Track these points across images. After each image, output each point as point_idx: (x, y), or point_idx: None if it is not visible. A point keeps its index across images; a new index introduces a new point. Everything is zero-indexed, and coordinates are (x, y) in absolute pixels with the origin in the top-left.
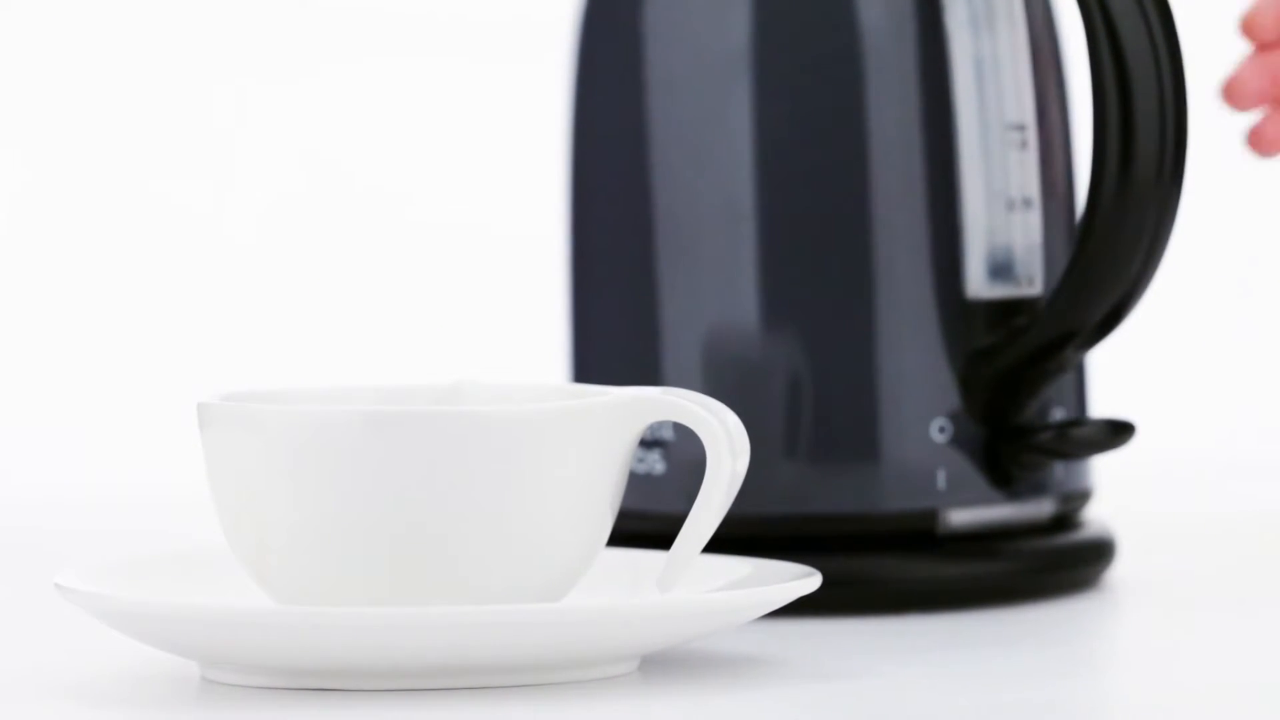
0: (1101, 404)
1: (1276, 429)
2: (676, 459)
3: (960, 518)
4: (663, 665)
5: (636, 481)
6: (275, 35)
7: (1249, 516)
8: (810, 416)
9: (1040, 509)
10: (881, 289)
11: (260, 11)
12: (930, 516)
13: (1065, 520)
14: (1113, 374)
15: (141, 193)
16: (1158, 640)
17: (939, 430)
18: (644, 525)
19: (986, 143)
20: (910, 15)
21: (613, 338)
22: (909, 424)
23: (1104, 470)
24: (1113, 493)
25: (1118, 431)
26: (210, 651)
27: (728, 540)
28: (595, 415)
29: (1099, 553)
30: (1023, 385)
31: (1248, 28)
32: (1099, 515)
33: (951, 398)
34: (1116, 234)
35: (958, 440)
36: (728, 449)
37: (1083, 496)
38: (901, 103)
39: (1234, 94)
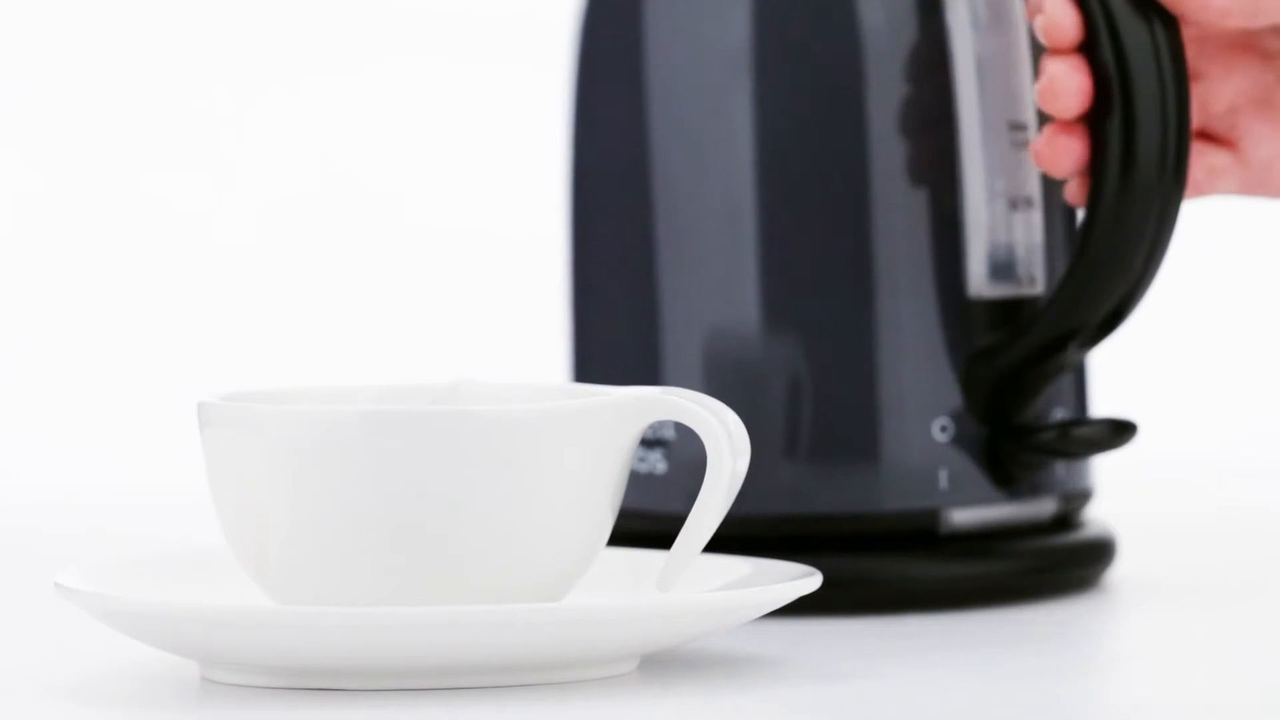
0: (1101, 404)
1: (1276, 429)
2: (677, 459)
3: (962, 517)
4: (663, 665)
5: (638, 481)
6: (278, 39)
7: (1249, 516)
8: (810, 416)
9: (1041, 509)
10: (883, 289)
11: (264, 15)
12: (932, 516)
13: (1065, 520)
14: (1113, 374)
15: (143, 194)
16: (1158, 640)
17: (941, 430)
18: (644, 525)
19: (988, 142)
20: (911, 15)
21: (613, 337)
22: (911, 424)
23: (1104, 470)
24: (1113, 493)
25: (1120, 431)
26: (210, 651)
27: (728, 540)
28: (595, 415)
29: (1099, 553)
30: (1024, 385)
31: (1049, 33)
32: (1099, 515)
33: (953, 397)
34: (1118, 233)
35: (959, 440)
36: (728, 449)
37: (1083, 496)
38: (902, 103)
39: (1053, 96)
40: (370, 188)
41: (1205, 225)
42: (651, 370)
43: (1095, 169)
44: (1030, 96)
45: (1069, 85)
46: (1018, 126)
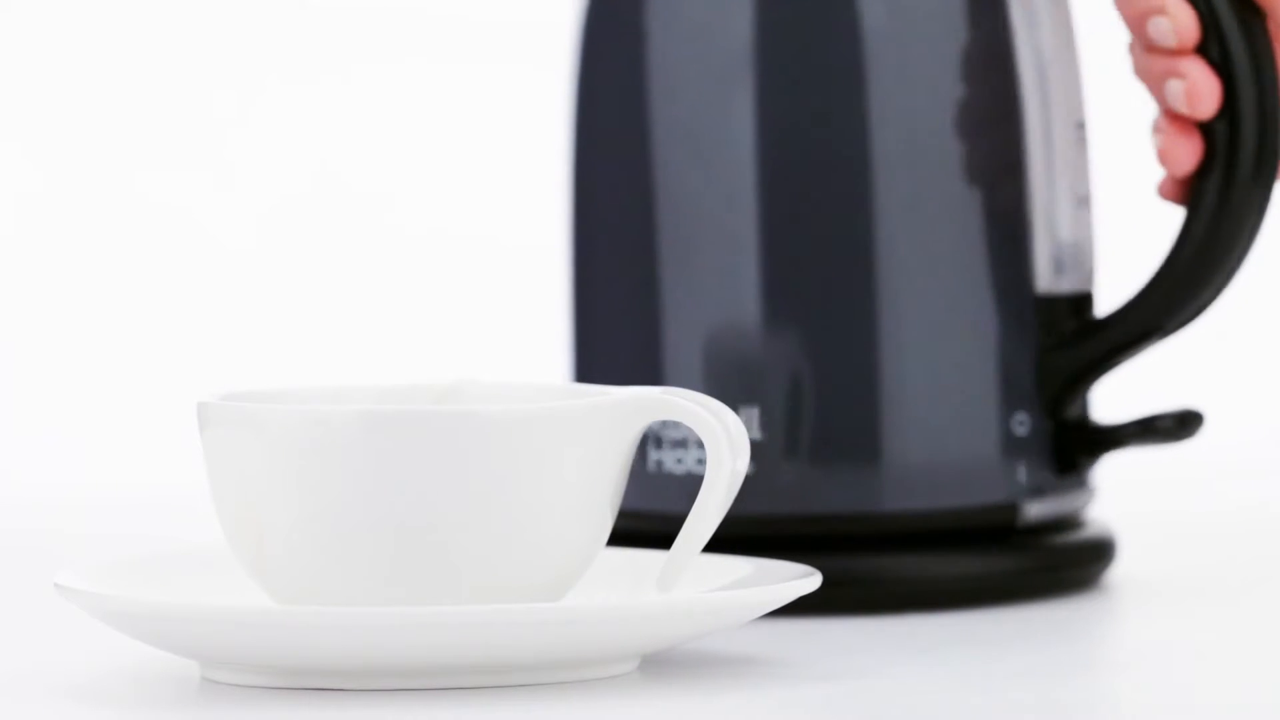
0: (1103, 403)
1: (1276, 429)
2: (759, 460)
3: (1037, 510)
4: (663, 665)
5: (644, 481)
6: (279, 40)
7: (1249, 516)
8: (813, 415)
9: (1086, 498)
10: (886, 287)
11: (265, 17)
12: (1011, 510)
13: (1066, 520)
14: (1113, 373)
15: (142, 194)
16: (1158, 640)
17: (1019, 424)
18: (644, 525)
19: (1057, 140)
20: (963, 13)
21: (615, 338)
22: (990, 418)
23: (1104, 470)
24: (1113, 493)
25: (1190, 422)
26: (210, 651)
27: (728, 540)
28: (595, 415)
29: (1099, 553)
30: (1090, 379)
31: (1181, 35)
32: (1099, 515)
33: (1027, 393)
34: (1220, 230)
35: (1035, 434)
36: (728, 449)
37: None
38: (959, 102)
39: (1198, 98)
40: (371, 188)
41: None
42: (653, 371)
43: (1200, 170)
44: (1083, 94)
45: (1210, 87)
46: (1080, 124)
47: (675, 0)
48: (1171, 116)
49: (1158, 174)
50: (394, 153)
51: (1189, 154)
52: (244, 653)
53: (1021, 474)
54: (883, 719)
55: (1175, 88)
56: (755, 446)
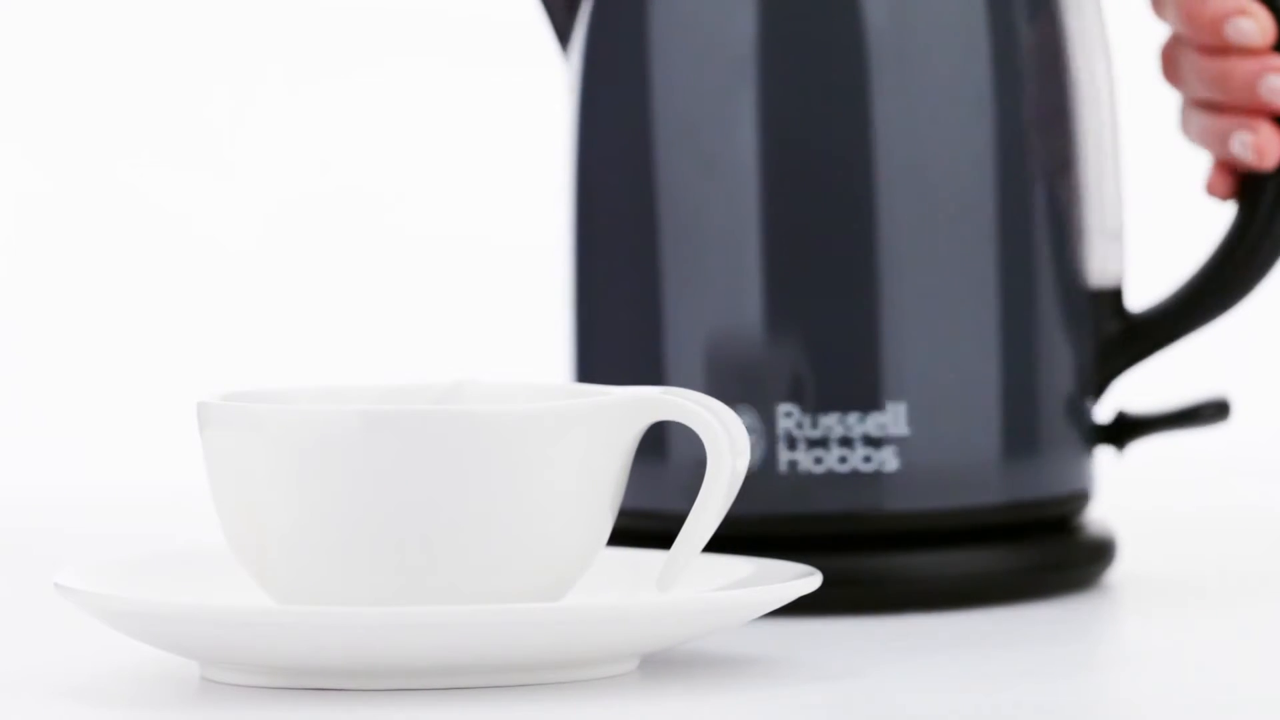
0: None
1: (1276, 429)
2: (908, 455)
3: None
4: (663, 665)
5: (661, 480)
6: (280, 40)
7: (1249, 516)
8: (812, 412)
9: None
10: (889, 287)
11: (266, 17)
12: (1083, 499)
13: (1065, 520)
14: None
15: (142, 194)
16: (1158, 640)
17: (1089, 414)
18: (644, 525)
19: (1101, 137)
20: (1021, 13)
21: (616, 338)
22: (1066, 409)
23: (1104, 470)
24: (1113, 493)
25: (1222, 410)
26: (210, 651)
27: (728, 540)
28: (595, 415)
29: (1099, 553)
30: (1132, 369)
31: (1266, 35)
32: (1099, 515)
33: (1087, 384)
34: (1274, 228)
35: (1095, 424)
36: (728, 449)
37: (1083, 496)
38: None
39: None
40: (372, 188)
41: (1196, 219)
42: (654, 371)
43: (1254, 175)
44: (1117, 91)
45: None
46: (1116, 122)
47: (678, 1)
48: (1257, 113)
49: (1200, 171)
50: (394, 153)
51: (1277, 150)
52: (244, 653)
53: (1090, 462)
54: (882, 719)
55: (1279, 84)
56: (902, 441)
